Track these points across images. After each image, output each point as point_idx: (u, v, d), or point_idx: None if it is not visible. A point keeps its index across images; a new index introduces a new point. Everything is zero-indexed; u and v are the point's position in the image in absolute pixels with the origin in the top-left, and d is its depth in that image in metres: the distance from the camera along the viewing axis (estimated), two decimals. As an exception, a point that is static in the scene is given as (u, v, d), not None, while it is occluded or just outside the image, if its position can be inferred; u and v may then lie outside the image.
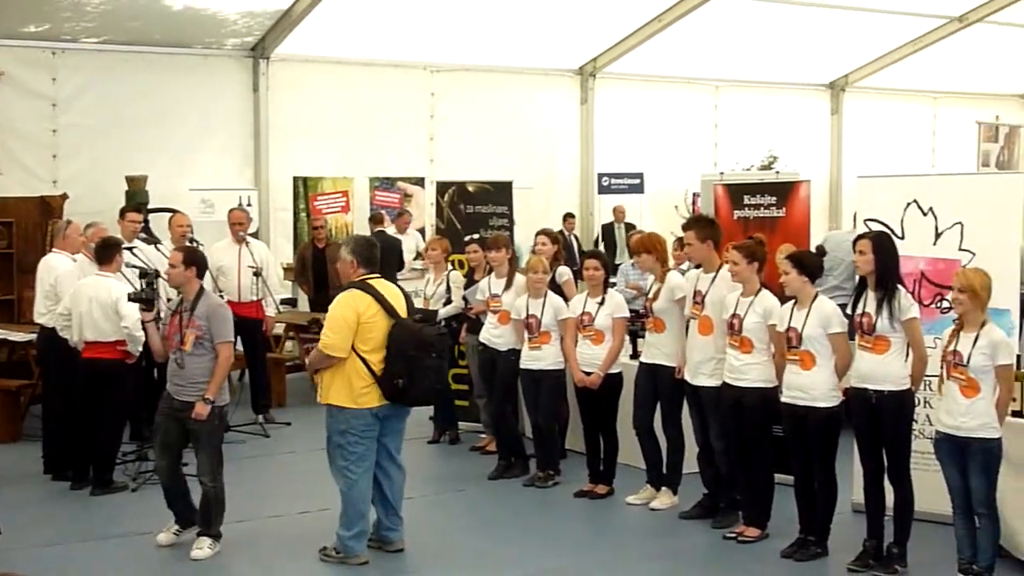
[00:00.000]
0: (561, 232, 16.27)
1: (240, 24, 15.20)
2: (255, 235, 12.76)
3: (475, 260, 10.32)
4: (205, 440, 7.45)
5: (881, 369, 6.95)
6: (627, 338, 9.28)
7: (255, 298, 11.16)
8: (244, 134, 15.91)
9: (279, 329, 13.22)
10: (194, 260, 7.62)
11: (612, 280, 10.42)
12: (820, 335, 7.15)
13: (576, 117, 19.06)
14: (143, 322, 7.80)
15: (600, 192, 18.93)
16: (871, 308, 7.00)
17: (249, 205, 13.96)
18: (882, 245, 7.10)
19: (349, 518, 7.33)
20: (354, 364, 7.17)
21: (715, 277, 8.03)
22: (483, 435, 10.50)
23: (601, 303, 8.73)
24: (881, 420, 6.99)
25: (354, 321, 7.14)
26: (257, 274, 11.08)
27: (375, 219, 15.75)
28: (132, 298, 7.90)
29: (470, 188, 11.83)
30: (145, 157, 14.54)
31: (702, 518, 8.18)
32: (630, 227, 17.99)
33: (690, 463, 8.49)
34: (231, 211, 11.77)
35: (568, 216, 18.14)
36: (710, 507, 8.21)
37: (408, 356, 7.18)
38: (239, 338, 11.06)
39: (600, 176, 18.84)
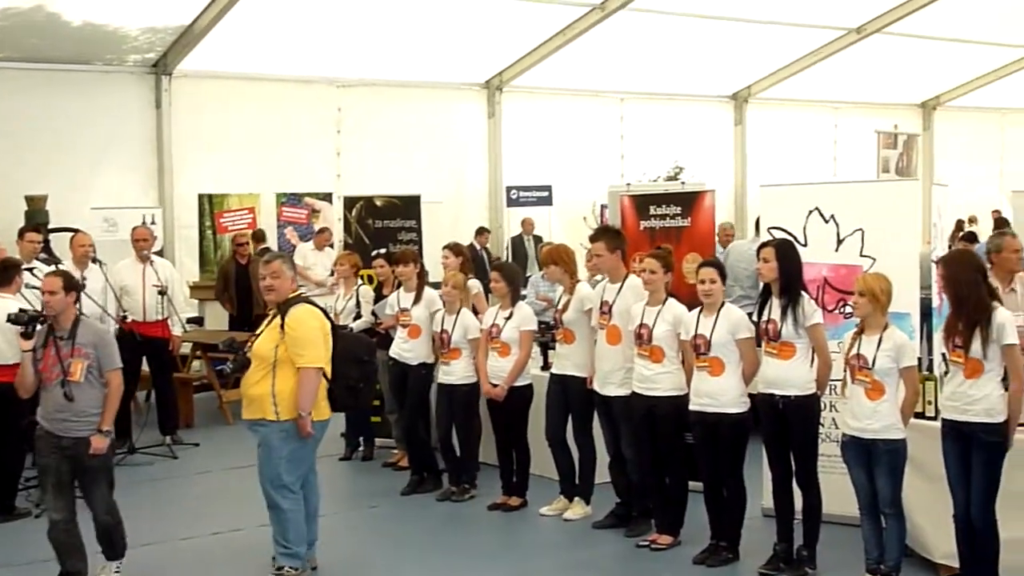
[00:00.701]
0: (471, 246, 16.27)
1: (141, 40, 14.98)
2: (160, 253, 12.57)
3: (383, 275, 10.28)
4: (101, 472, 7.04)
5: (787, 374, 7.03)
6: (538, 350, 9.32)
7: (160, 317, 11.00)
8: (147, 151, 15.69)
9: (186, 348, 13.03)
10: (73, 285, 7.15)
11: (524, 292, 10.44)
12: (729, 341, 7.22)
13: (483, 131, 19.11)
14: (22, 350, 7.13)
15: (509, 205, 18.97)
16: (776, 315, 7.08)
17: (153, 223, 13.71)
18: (785, 252, 7.18)
19: (295, 537, 7.09)
20: None
21: (622, 287, 8.04)
22: (395, 451, 10.44)
23: (509, 316, 8.73)
24: (788, 425, 7.07)
25: (323, 332, 7.14)
26: (162, 293, 10.92)
27: (257, 237, 15.27)
28: (11, 319, 7.26)
29: (378, 203, 11.78)
30: (45, 176, 14.29)
31: (615, 527, 8.21)
32: (539, 239, 18.07)
33: (602, 473, 8.53)
34: (134, 229, 11.57)
35: (482, 230, 18.14)
36: (623, 516, 8.25)
37: (363, 361, 7.44)
38: (145, 358, 11.01)
39: (508, 189, 18.89)
